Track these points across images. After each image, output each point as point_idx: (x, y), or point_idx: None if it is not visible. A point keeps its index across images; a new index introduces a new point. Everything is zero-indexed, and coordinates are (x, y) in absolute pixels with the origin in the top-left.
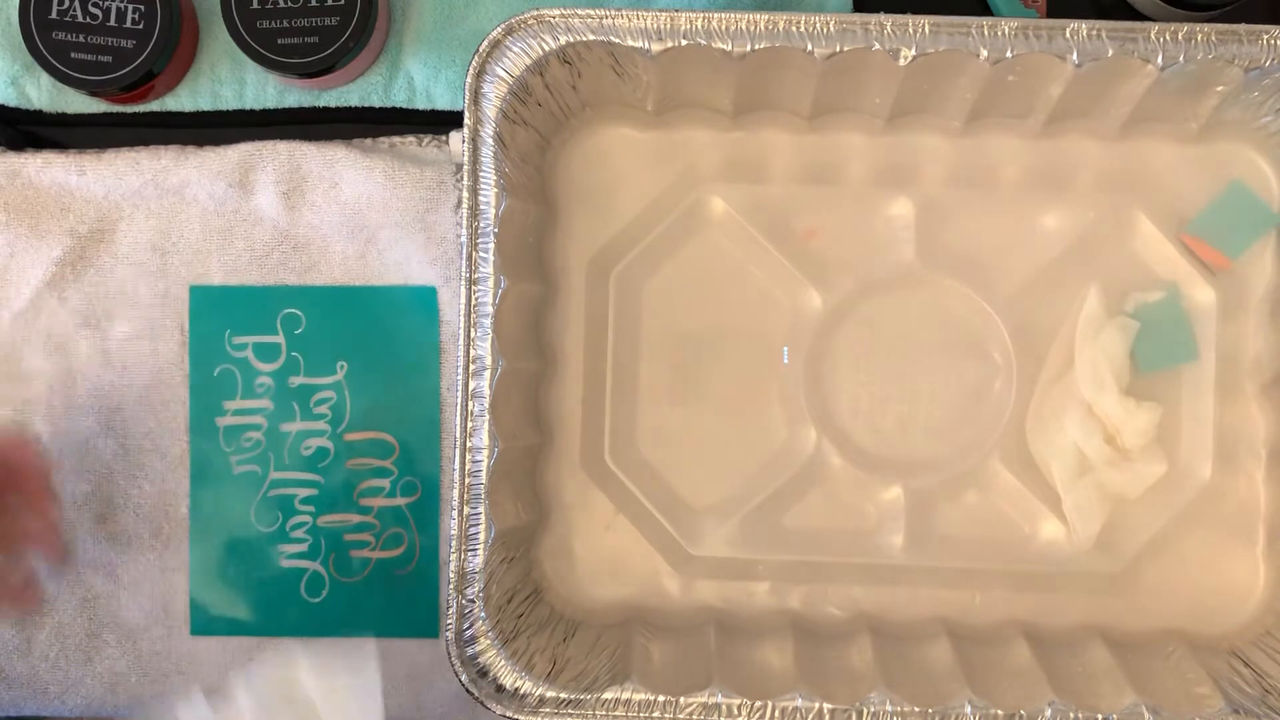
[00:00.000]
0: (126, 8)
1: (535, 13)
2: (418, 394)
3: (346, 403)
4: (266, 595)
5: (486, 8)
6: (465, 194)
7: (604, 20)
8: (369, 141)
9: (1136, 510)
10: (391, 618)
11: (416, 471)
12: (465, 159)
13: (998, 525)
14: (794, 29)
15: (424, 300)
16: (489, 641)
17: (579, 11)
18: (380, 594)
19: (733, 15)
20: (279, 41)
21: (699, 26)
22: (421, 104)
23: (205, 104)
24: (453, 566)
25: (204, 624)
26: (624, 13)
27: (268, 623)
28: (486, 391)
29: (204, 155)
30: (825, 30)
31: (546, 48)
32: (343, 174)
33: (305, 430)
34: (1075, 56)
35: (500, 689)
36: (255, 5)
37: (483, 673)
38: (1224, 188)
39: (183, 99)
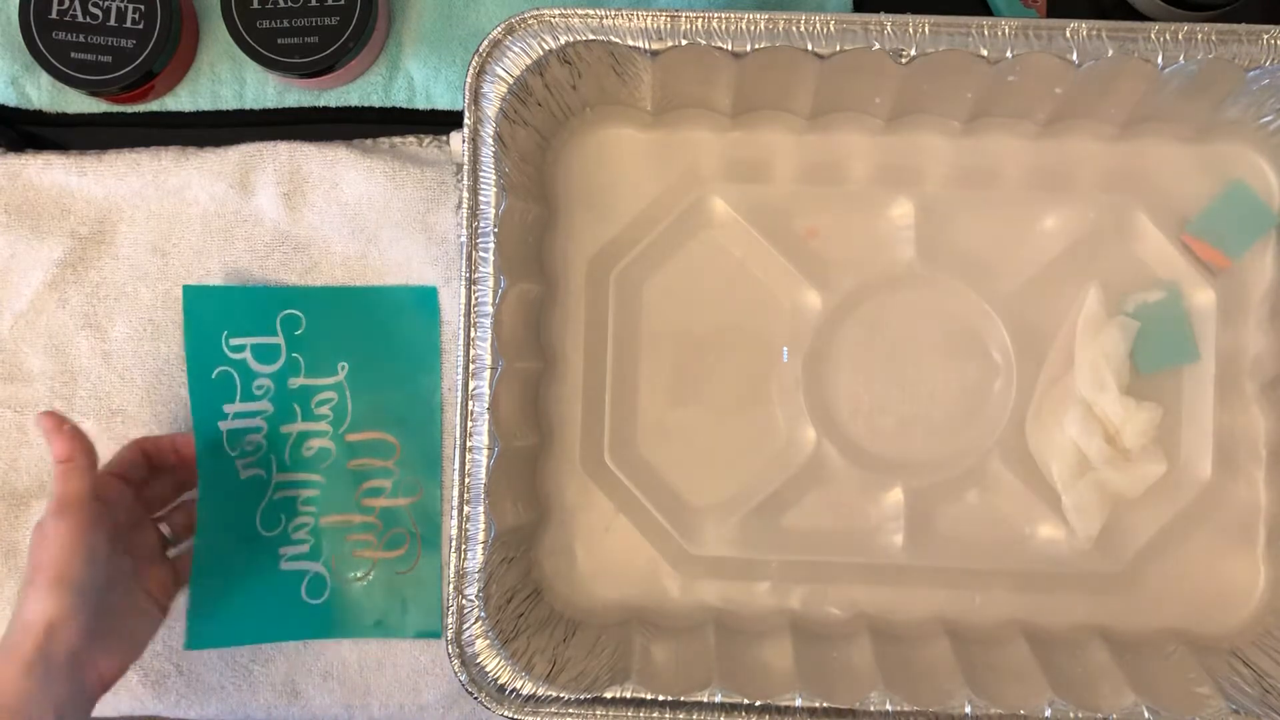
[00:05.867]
0: (126, 8)
1: (535, 12)
2: (419, 394)
3: (348, 403)
4: (267, 600)
5: (486, 8)
6: (465, 194)
7: (604, 20)
8: (369, 142)
9: (1136, 510)
10: (394, 618)
11: (419, 471)
12: (465, 159)
13: (998, 525)
14: (794, 29)
15: (425, 300)
16: (489, 641)
17: (579, 11)
18: (382, 594)
19: (733, 15)
20: (279, 41)
21: (699, 26)
22: (421, 104)
23: (205, 104)
24: (453, 566)
25: (201, 637)
26: (624, 13)
27: (267, 628)
28: (486, 391)
29: (204, 156)
30: (825, 30)
31: (546, 47)
32: (343, 174)
33: (306, 431)
34: (1075, 56)
35: (500, 689)
36: (255, 5)
37: (483, 673)
38: (1224, 188)
39: (183, 99)
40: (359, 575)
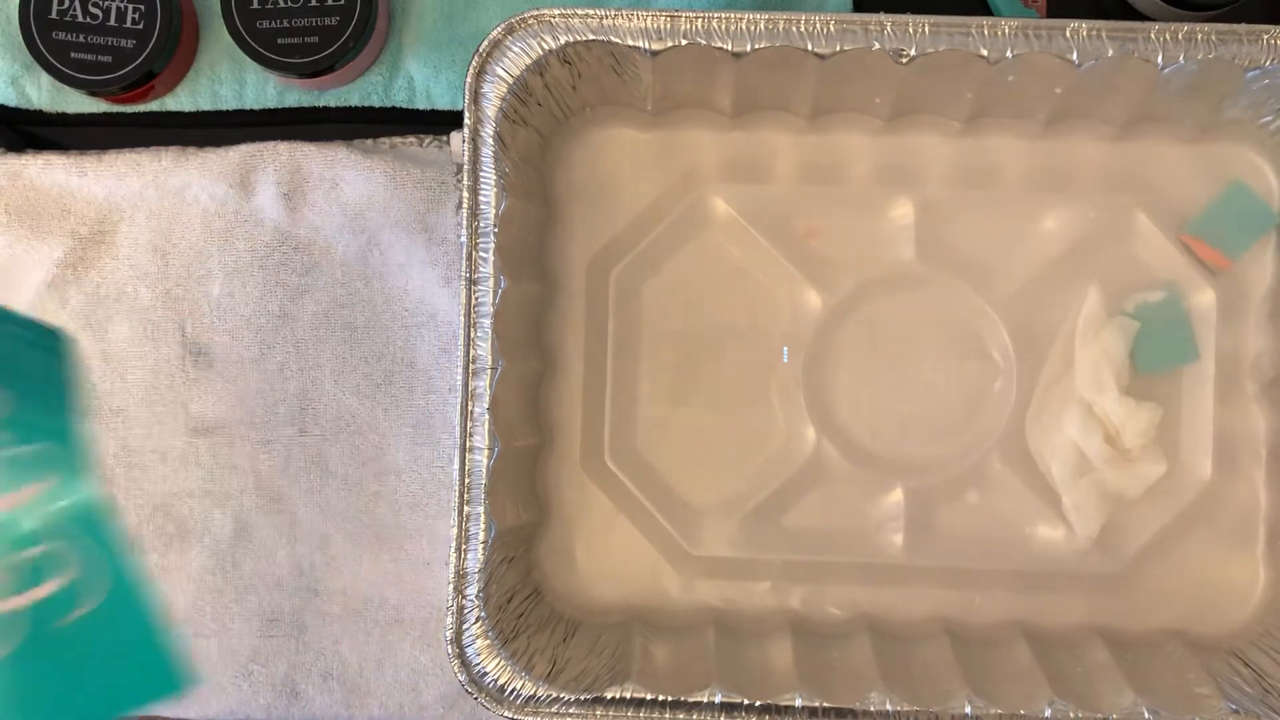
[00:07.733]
0: (126, 8)
1: (535, 12)
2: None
3: None
4: None
5: (486, 8)
6: (465, 194)
7: (604, 20)
8: (370, 142)
9: (1136, 510)
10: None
11: (39, 439)
12: (465, 159)
13: (998, 525)
14: (794, 29)
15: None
16: (489, 642)
17: (579, 11)
18: (34, 670)
19: (733, 15)
20: (279, 41)
21: (699, 26)
22: (421, 104)
23: (205, 104)
24: (453, 567)
25: None
26: (624, 13)
27: None
28: (486, 391)
29: (205, 156)
30: (825, 30)
31: (546, 48)
32: (344, 175)
33: None
34: (1075, 56)
35: (500, 689)
36: (255, 5)
37: (483, 673)
38: (1224, 188)
39: (183, 99)
40: None
